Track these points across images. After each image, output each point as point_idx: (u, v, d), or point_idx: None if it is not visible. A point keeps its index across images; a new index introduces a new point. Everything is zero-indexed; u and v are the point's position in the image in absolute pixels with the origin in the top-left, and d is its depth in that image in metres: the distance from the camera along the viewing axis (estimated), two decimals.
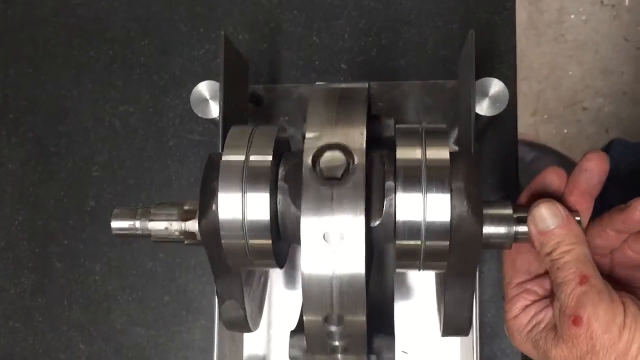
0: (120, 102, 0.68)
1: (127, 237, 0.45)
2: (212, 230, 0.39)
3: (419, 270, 0.41)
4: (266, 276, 0.55)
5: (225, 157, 0.38)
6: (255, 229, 0.38)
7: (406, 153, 0.38)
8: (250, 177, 0.38)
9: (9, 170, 0.68)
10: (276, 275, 0.62)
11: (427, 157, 0.38)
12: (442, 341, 0.60)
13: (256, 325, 0.49)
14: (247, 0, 0.68)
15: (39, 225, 0.67)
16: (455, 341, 0.60)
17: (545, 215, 0.42)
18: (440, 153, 0.38)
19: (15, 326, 0.67)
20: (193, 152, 0.66)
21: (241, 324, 0.43)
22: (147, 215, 0.44)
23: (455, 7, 0.65)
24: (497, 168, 0.63)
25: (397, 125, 0.42)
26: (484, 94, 0.46)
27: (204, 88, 0.48)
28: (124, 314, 0.66)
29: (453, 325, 0.42)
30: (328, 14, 0.66)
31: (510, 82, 0.62)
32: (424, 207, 0.37)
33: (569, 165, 1.41)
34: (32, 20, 0.70)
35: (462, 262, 0.39)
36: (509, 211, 0.42)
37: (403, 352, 0.61)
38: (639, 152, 1.05)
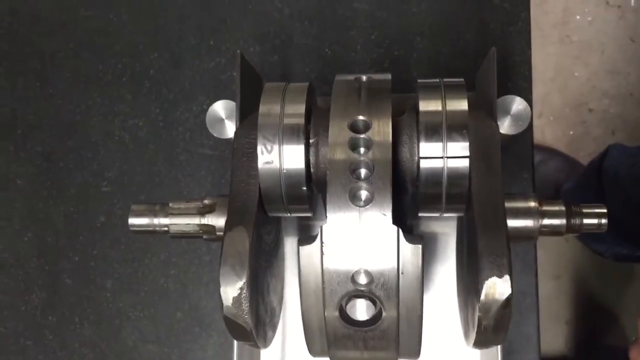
0: (129, 116, 0.67)
1: (145, 233, 0.46)
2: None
3: (441, 213, 0.44)
4: (282, 292, 0.54)
5: (262, 111, 0.43)
6: (291, 177, 0.42)
7: (428, 105, 0.42)
8: (287, 123, 0.42)
9: (18, 187, 0.67)
10: (292, 290, 0.61)
11: (447, 108, 0.41)
12: (460, 352, 0.59)
13: (269, 341, 0.48)
14: (257, 12, 0.67)
15: (49, 242, 0.67)
16: (475, 354, 0.60)
17: None
18: (459, 104, 0.41)
19: (26, 344, 0.66)
20: (204, 166, 0.66)
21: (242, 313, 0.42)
22: (165, 211, 0.45)
23: (469, 18, 0.64)
24: (514, 180, 0.62)
25: (418, 80, 0.45)
26: (506, 112, 0.45)
27: (220, 107, 0.48)
28: (136, 330, 0.65)
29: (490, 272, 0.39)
30: (340, 25, 0.66)
31: (527, 95, 0.61)
32: (444, 150, 0.40)
33: (575, 167, 1.40)
34: (39, 33, 0.69)
35: (485, 178, 0.41)
36: (533, 204, 0.44)
37: None
38: (636, 155, 1.04)
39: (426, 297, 0.60)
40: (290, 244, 0.59)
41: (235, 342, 0.57)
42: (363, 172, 0.39)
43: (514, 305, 0.61)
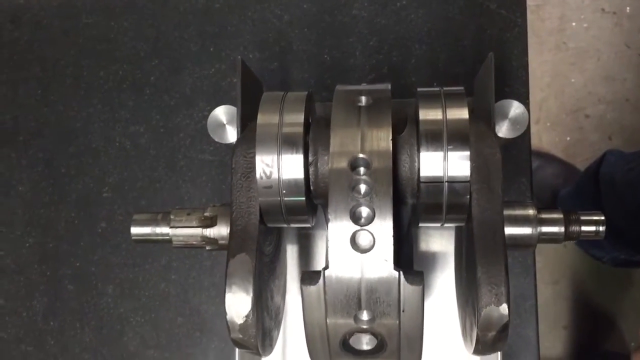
0: (130, 123, 0.68)
1: (147, 242, 0.46)
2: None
3: (442, 224, 0.44)
4: (284, 285, 0.55)
5: (260, 121, 0.42)
6: (290, 187, 0.42)
7: (428, 114, 0.41)
8: (285, 141, 0.42)
9: (20, 193, 0.68)
10: (293, 297, 0.61)
11: (448, 117, 0.41)
12: (461, 357, 0.59)
13: (274, 343, 0.48)
14: (257, 19, 0.67)
15: (50, 248, 0.67)
16: (475, 358, 0.60)
17: None
18: (460, 113, 0.41)
19: (28, 350, 0.66)
20: (204, 172, 0.66)
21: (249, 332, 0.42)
22: (167, 220, 0.45)
23: (466, 24, 0.65)
24: (511, 184, 0.63)
25: (418, 89, 0.45)
26: (504, 116, 0.46)
27: (221, 112, 0.48)
28: (137, 336, 0.65)
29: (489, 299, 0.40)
30: (339, 31, 0.66)
31: (525, 99, 0.61)
32: (444, 164, 0.40)
33: (572, 173, 1.41)
34: (40, 40, 0.70)
35: (486, 196, 0.41)
36: (532, 212, 0.44)
37: None
38: (632, 161, 1.05)
39: (426, 303, 0.60)
40: (290, 249, 0.59)
41: (237, 352, 0.58)
42: (364, 214, 0.39)
43: (512, 309, 0.62)
